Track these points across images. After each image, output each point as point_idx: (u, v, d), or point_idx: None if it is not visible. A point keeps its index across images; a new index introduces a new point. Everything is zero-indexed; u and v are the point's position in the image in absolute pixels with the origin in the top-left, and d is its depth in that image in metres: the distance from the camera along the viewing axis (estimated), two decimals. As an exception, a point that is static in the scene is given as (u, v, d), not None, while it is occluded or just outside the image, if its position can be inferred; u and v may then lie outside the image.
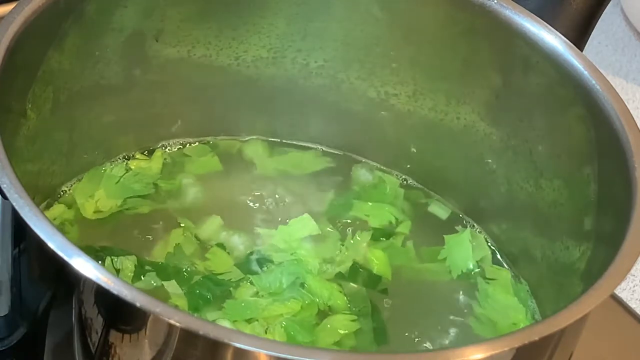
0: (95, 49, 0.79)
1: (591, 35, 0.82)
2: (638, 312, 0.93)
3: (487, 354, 0.58)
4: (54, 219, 0.79)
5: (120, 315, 0.60)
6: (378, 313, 0.78)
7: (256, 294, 0.77)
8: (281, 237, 0.81)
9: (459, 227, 0.86)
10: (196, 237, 0.81)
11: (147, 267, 0.77)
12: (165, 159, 0.86)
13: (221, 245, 0.80)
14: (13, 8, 0.70)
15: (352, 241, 0.82)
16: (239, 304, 0.76)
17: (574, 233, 0.77)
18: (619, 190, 0.71)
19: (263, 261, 0.80)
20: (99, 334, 0.61)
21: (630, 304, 0.94)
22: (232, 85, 0.87)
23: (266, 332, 0.74)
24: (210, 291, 0.77)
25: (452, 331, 0.79)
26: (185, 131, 0.88)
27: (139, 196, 0.83)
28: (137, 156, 0.86)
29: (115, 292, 0.57)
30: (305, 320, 0.76)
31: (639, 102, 1.18)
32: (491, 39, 0.80)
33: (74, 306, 0.61)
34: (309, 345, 0.73)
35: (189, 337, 0.57)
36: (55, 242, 0.58)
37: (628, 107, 0.74)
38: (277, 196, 0.86)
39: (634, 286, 0.97)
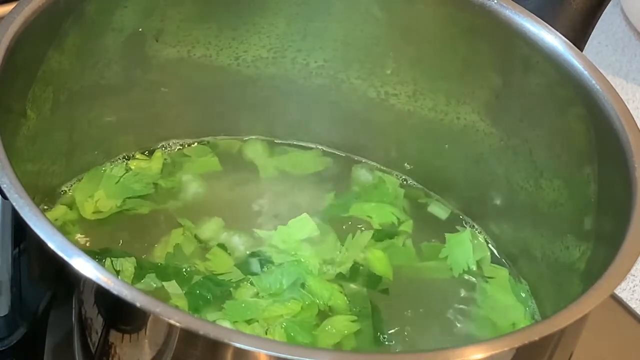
0: (95, 49, 0.79)
1: (591, 35, 0.82)
2: (638, 312, 0.93)
3: (487, 354, 0.58)
4: (56, 220, 0.79)
5: (120, 315, 0.60)
6: (378, 314, 0.78)
7: (256, 294, 0.77)
8: (280, 237, 0.81)
9: (459, 227, 0.86)
10: (196, 237, 0.81)
11: (147, 269, 0.77)
12: (165, 159, 0.86)
13: (222, 246, 0.80)
14: (13, 8, 0.70)
15: (352, 241, 0.82)
16: (239, 305, 0.76)
17: (574, 233, 0.77)
18: (619, 190, 0.71)
19: (263, 262, 0.79)
20: (99, 334, 0.61)
21: (630, 304, 0.94)
22: (232, 85, 0.87)
23: (266, 333, 0.74)
24: (211, 292, 0.77)
25: (452, 331, 0.79)
26: (185, 131, 0.88)
27: (139, 196, 0.83)
28: (137, 156, 0.86)
29: (115, 292, 0.57)
30: (305, 321, 0.76)
31: (639, 102, 1.18)
32: (491, 39, 0.80)
33: (74, 306, 0.61)
34: (309, 346, 0.73)
35: (189, 337, 0.57)
36: (55, 242, 0.58)
37: (628, 107, 0.74)
38: (277, 196, 0.86)
39: (634, 286, 0.97)
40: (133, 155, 0.86)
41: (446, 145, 0.86)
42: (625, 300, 0.94)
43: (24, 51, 0.70)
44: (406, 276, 0.82)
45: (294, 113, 0.89)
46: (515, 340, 0.60)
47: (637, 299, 0.96)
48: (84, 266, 0.58)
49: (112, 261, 0.76)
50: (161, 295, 0.75)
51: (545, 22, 0.78)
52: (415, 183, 0.89)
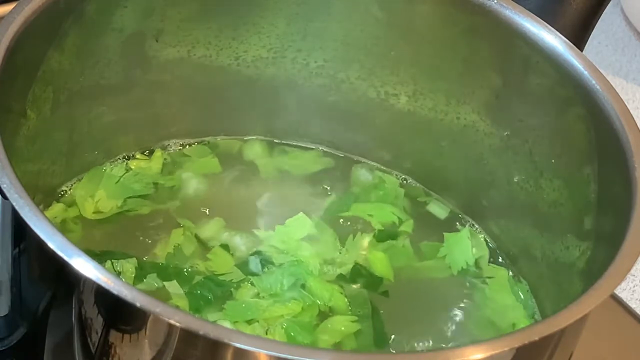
0: (95, 49, 0.79)
1: (591, 35, 0.82)
2: (638, 312, 0.93)
3: (487, 354, 0.58)
4: (54, 218, 0.79)
5: (120, 315, 0.59)
6: (378, 315, 0.78)
7: (257, 295, 0.77)
8: (280, 237, 0.81)
9: (458, 226, 0.86)
10: (196, 237, 0.81)
11: (148, 269, 0.77)
12: (165, 159, 0.86)
13: (224, 246, 0.80)
14: (13, 8, 0.70)
15: (352, 242, 0.82)
16: (239, 305, 0.76)
17: (574, 233, 0.77)
18: (619, 190, 0.71)
19: (264, 262, 0.79)
20: (99, 334, 0.61)
21: (630, 304, 0.94)
22: (232, 85, 0.87)
23: (267, 333, 0.74)
24: (212, 292, 0.77)
25: (452, 331, 0.79)
26: (185, 131, 0.88)
27: (139, 196, 0.83)
28: (137, 156, 0.86)
29: (115, 292, 0.57)
30: (305, 321, 0.76)
31: (639, 102, 1.18)
32: (491, 39, 0.80)
33: (74, 306, 0.61)
34: (309, 346, 0.73)
35: (189, 337, 0.57)
36: (55, 242, 0.58)
37: (628, 107, 0.74)
38: (277, 196, 0.86)
39: (634, 286, 0.97)
40: (133, 155, 0.86)
41: (445, 145, 0.86)
42: (625, 300, 0.94)
43: (24, 51, 0.70)
44: (406, 276, 0.82)
45: (294, 113, 0.89)
46: (515, 340, 0.60)
47: (637, 299, 0.96)
48: (84, 266, 0.58)
49: (112, 263, 0.76)
50: (162, 296, 0.75)
51: (545, 22, 0.78)
52: (415, 183, 0.89)
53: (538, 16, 0.78)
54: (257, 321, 0.75)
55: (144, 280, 0.76)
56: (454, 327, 0.79)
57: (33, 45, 0.72)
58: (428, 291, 0.82)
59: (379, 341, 0.77)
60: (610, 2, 0.82)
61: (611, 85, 0.75)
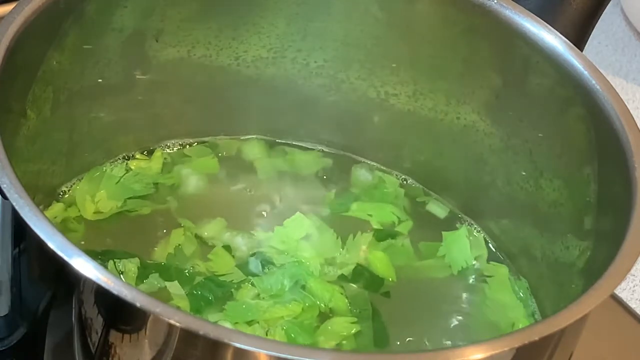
0: (95, 49, 0.79)
1: (591, 35, 0.82)
2: (638, 312, 0.93)
3: (487, 354, 0.58)
4: (55, 217, 0.79)
5: (120, 315, 0.59)
6: (378, 316, 0.78)
7: (257, 295, 0.77)
8: (279, 238, 0.81)
9: (458, 226, 0.86)
10: (197, 238, 0.81)
11: (150, 269, 0.77)
12: (165, 159, 0.86)
13: (226, 247, 0.80)
14: (13, 8, 0.70)
15: (352, 242, 0.82)
16: (240, 306, 0.76)
17: (574, 233, 0.77)
18: (619, 190, 0.71)
19: (264, 263, 0.79)
20: (99, 334, 0.61)
21: (630, 304, 0.94)
22: (232, 85, 0.87)
23: (267, 334, 0.74)
24: (212, 292, 0.77)
25: (452, 330, 0.79)
26: (185, 131, 0.88)
27: (139, 197, 0.83)
28: (137, 156, 0.86)
29: (115, 292, 0.57)
30: (306, 322, 0.76)
31: (639, 102, 1.18)
32: (491, 39, 0.80)
33: (74, 306, 0.61)
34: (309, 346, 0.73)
35: (189, 337, 0.57)
36: (55, 242, 0.58)
37: (628, 107, 0.74)
38: (276, 197, 0.86)
39: (634, 286, 0.97)
40: (133, 155, 0.86)
41: (445, 145, 0.86)
42: (625, 300, 0.94)
43: (24, 51, 0.70)
44: (405, 276, 0.82)
45: (294, 113, 0.89)
46: (515, 340, 0.60)
47: (637, 299, 0.96)
48: (84, 266, 0.58)
49: (114, 263, 0.76)
50: (164, 296, 0.75)
51: (545, 22, 0.78)
52: (415, 183, 0.89)
53: (538, 16, 0.78)
54: (258, 322, 0.75)
55: (146, 280, 0.76)
56: (454, 327, 0.79)
57: (33, 45, 0.72)
58: (428, 291, 0.82)
59: (379, 342, 0.77)
60: (610, 2, 0.82)
61: (611, 85, 0.75)
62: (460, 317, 0.80)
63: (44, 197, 0.80)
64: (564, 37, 0.77)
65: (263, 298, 0.77)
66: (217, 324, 0.59)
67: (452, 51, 0.83)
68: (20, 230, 0.61)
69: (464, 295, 0.82)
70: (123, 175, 0.83)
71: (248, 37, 0.85)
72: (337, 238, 0.82)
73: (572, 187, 0.78)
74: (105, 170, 0.84)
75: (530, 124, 0.81)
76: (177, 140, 0.88)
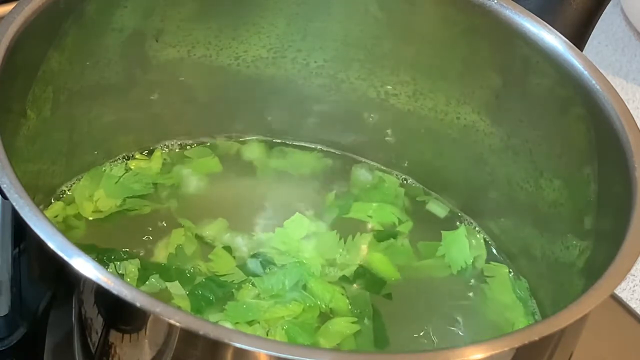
0: (95, 49, 0.79)
1: (591, 35, 0.82)
2: (638, 312, 0.93)
3: (487, 354, 0.58)
4: (55, 217, 0.79)
5: (120, 315, 0.59)
6: (379, 316, 0.78)
7: (258, 296, 0.77)
8: (280, 239, 0.81)
9: (458, 226, 0.86)
10: (197, 238, 0.81)
11: (150, 270, 0.77)
12: (165, 159, 0.86)
13: (227, 248, 0.80)
14: (13, 8, 0.70)
15: (352, 243, 0.82)
16: (240, 306, 0.76)
17: (574, 233, 0.77)
18: (619, 190, 0.71)
19: (265, 263, 0.79)
20: (99, 334, 0.61)
21: (630, 304, 0.94)
22: (232, 85, 0.87)
23: (267, 334, 0.74)
24: (213, 293, 0.76)
25: (452, 330, 0.79)
26: (185, 131, 0.88)
27: (139, 196, 0.83)
28: (137, 156, 0.86)
29: (115, 292, 0.57)
30: (306, 322, 0.76)
31: (639, 102, 1.18)
32: (491, 39, 0.80)
33: (74, 306, 0.61)
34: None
35: (189, 337, 0.57)
36: (55, 242, 0.58)
37: (628, 107, 0.74)
38: (277, 197, 0.86)
39: (634, 286, 0.97)
40: (133, 155, 0.86)
41: (445, 145, 0.86)
42: (625, 300, 0.94)
43: (24, 51, 0.70)
44: (406, 276, 0.82)
45: (293, 113, 0.89)
46: (515, 340, 0.60)
47: (637, 299, 0.96)
48: (84, 266, 0.58)
49: (114, 265, 0.76)
50: (165, 297, 0.75)
51: (545, 22, 0.78)
52: (415, 183, 0.89)
53: (538, 16, 0.78)
54: (258, 322, 0.75)
55: (147, 281, 0.76)
56: (453, 327, 0.79)
57: (33, 45, 0.72)
58: (428, 291, 0.82)
59: (379, 342, 0.77)
60: (610, 2, 0.82)
61: (611, 85, 0.75)
62: (460, 317, 0.80)
63: (44, 197, 0.80)
64: (564, 37, 0.77)
65: (264, 298, 0.77)
66: (217, 324, 0.59)
67: (452, 51, 0.83)
68: (20, 230, 0.61)
69: (464, 295, 0.81)
70: (122, 175, 0.83)
71: (248, 37, 0.85)
72: (338, 239, 0.82)
73: (572, 187, 0.78)
74: (105, 170, 0.84)
75: (530, 124, 0.81)
76: (177, 140, 0.88)
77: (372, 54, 0.85)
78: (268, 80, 0.87)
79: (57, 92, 0.77)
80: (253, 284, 0.77)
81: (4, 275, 0.65)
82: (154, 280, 0.76)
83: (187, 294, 0.76)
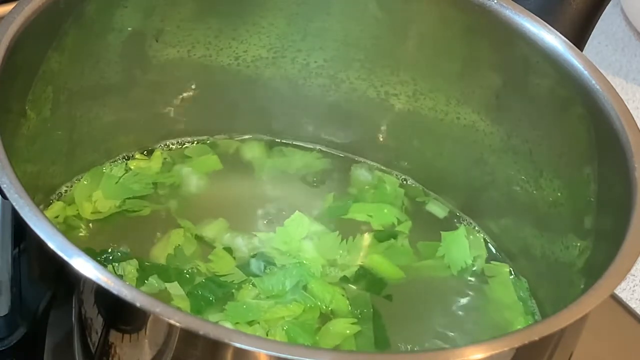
0: (95, 49, 0.79)
1: (591, 35, 0.82)
2: (638, 312, 0.93)
3: (487, 354, 0.58)
4: (56, 217, 0.79)
5: (120, 315, 0.59)
6: (379, 317, 0.78)
7: (258, 296, 0.77)
8: (281, 239, 0.81)
9: (458, 226, 0.86)
10: (196, 238, 0.81)
11: (149, 270, 0.77)
12: (165, 158, 0.86)
13: (227, 249, 0.80)
14: (13, 8, 0.70)
15: (353, 243, 0.82)
16: (240, 306, 0.76)
17: (574, 233, 0.77)
18: (619, 190, 0.71)
19: (265, 263, 0.79)
20: (99, 334, 0.61)
21: (630, 304, 0.94)
22: (232, 85, 0.87)
23: (267, 335, 0.74)
24: (213, 293, 0.76)
25: (452, 331, 0.79)
26: (185, 131, 0.88)
27: (138, 197, 0.83)
28: (137, 156, 0.86)
29: (115, 292, 0.57)
30: (306, 323, 0.75)
31: (639, 102, 1.18)
32: (491, 39, 0.80)
33: (74, 306, 0.61)
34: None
35: (189, 337, 0.57)
36: (55, 242, 0.58)
37: (628, 107, 0.74)
38: (276, 197, 0.86)
39: (634, 286, 0.97)
40: (133, 155, 0.86)
41: (445, 145, 0.86)
42: (625, 300, 0.94)
43: (24, 51, 0.70)
44: (405, 276, 0.82)
45: (293, 113, 0.89)
46: (515, 340, 0.60)
47: (637, 299, 0.96)
48: (84, 266, 0.58)
49: (113, 266, 0.76)
50: (165, 298, 0.75)
51: (545, 22, 0.78)
52: (415, 183, 0.89)
53: (538, 16, 0.78)
54: (258, 322, 0.75)
55: (146, 282, 0.76)
56: (454, 327, 0.79)
57: (33, 45, 0.72)
58: (428, 291, 0.82)
59: (379, 342, 0.77)
60: (610, 2, 0.82)
61: (611, 85, 0.75)
62: (460, 317, 0.80)
63: (44, 197, 0.80)
64: (564, 37, 0.77)
65: (264, 298, 0.77)
66: (217, 324, 0.59)
67: (452, 51, 0.83)
68: (20, 230, 0.61)
69: (464, 295, 0.81)
70: (122, 176, 0.83)
71: (248, 37, 0.85)
72: (338, 239, 0.82)
73: (572, 187, 0.78)
74: (105, 170, 0.84)
75: (530, 124, 0.81)
76: (177, 140, 0.88)
77: (372, 54, 0.85)
78: (268, 80, 0.87)
79: (57, 92, 0.77)
80: (253, 284, 0.77)
81: (4, 275, 0.65)
82: (153, 281, 0.76)
83: (187, 294, 0.76)
